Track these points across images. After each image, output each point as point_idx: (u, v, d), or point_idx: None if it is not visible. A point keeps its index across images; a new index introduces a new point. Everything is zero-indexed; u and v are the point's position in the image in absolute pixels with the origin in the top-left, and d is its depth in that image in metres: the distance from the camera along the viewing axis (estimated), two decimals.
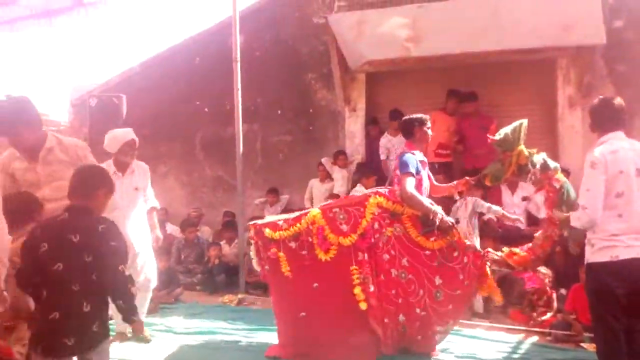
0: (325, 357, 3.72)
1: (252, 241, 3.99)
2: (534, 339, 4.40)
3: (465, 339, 4.29)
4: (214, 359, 3.98)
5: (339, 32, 6.36)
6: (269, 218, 4.21)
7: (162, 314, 5.22)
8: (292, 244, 3.78)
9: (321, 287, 3.70)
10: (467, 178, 4.10)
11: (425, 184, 3.95)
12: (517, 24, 5.68)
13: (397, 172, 3.87)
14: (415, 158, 3.84)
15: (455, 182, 4.16)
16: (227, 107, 6.70)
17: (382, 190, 3.87)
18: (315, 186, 7.03)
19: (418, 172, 3.81)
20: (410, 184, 3.69)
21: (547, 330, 4.49)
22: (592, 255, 2.97)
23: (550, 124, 6.60)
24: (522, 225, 5.89)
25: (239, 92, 5.87)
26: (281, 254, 3.78)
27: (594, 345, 4.11)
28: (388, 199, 3.70)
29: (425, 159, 4.02)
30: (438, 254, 3.65)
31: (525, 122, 3.74)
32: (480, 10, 5.81)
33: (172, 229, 7.28)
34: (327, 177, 7.01)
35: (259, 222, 4.02)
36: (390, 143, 6.68)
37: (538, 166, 3.79)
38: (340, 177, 6.86)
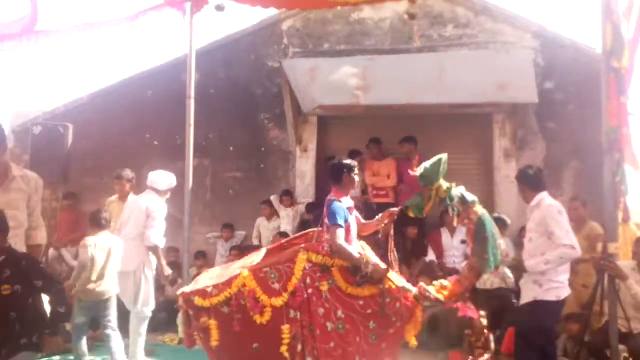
0: None
1: (181, 310, 3.79)
2: None
3: None
4: None
5: (293, 77, 6.53)
6: (201, 280, 3.94)
7: (98, 351, 5.01)
8: (225, 309, 3.61)
9: (261, 348, 3.59)
10: (391, 210, 4.08)
11: (354, 230, 3.91)
12: (458, 81, 6.05)
13: (326, 220, 3.83)
14: (343, 206, 3.81)
15: (380, 216, 4.09)
16: (178, 141, 6.63)
17: (317, 234, 3.87)
18: (263, 225, 6.99)
19: (346, 221, 3.80)
20: (340, 235, 3.68)
21: None
22: (542, 294, 3.43)
23: (487, 174, 6.96)
24: (461, 267, 6.08)
25: (192, 128, 5.84)
26: (212, 321, 3.61)
27: None
28: (317, 253, 3.67)
29: (352, 204, 3.98)
30: (371, 303, 3.66)
31: (444, 157, 3.79)
32: (425, 67, 6.18)
33: None
34: (274, 214, 7.00)
35: (187, 289, 3.82)
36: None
37: (456, 200, 3.84)
38: (286, 216, 6.88)
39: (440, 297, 3.84)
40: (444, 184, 3.76)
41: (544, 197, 3.75)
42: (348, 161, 4.10)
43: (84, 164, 7.69)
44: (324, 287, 3.64)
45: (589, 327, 4.40)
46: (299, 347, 3.55)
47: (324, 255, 3.66)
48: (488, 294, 5.67)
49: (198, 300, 3.64)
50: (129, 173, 5.76)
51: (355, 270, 3.65)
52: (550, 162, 6.72)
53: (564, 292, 3.53)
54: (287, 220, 6.87)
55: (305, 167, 7.39)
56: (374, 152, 6.85)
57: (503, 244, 3.99)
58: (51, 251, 7.09)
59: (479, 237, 3.78)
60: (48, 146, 6.78)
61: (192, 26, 5.89)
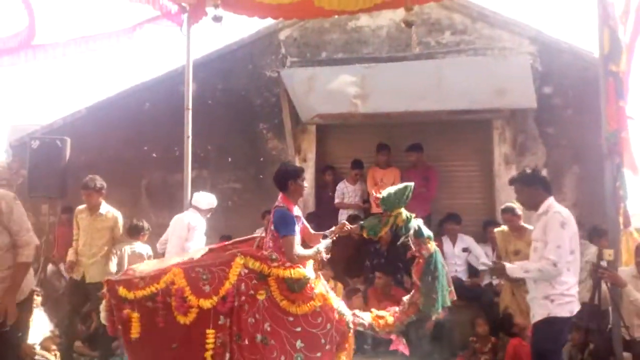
0: None
1: (105, 298, 3.69)
2: None
3: None
4: None
5: (291, 86, 6.56)
6: (136, 270, 3.83)
7: None
8: (149, 304, 3.52)
9: (180, 349, 3.50)
10: (344, 222, 4.05)
11: (298, 239, 3.75)
12: (457, 87, 6.08)
13: (272, 228, 3.71)
14: (291, 215, 3.71)
15: (333, 228, 3.94)
16: (176, 153, 6.65)
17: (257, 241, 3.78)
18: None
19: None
20: (295, 245, 3.59)
21: None
22: (556, 309, 3.27)
23: (487, 180, 6.97)
24: (463, 275, 6.09)
25: (190, 140, 5.87)
26: (135, 314, 3.51)
27: None
28: (255, 259, 3.55)
29: (300, 214, 3.89)
30: (302, 321, 3.50)
31: (410, 185, 3.70)
32: (423, 74, 6.21)
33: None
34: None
35: (114, 277, 3.77)
36: (346, 189, 6.88)
37: (411, 232, 3.73)
38: None
39: (375, 324, 3.72)
40: (404, 212, 3.69)
41: (551, 202, 3.54)
42: (294, 167, 4.05)
43: (82, 177, 7.65)
44: (261, 296, 3.49)
45: (590, 335, 4.40)
46: (227, 356, 3.44)
47: (262, 262, 3.53)
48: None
49: (122, 291, 3.54)
50: (96, 182, 5.67)
51: (291, 284, 3.50)
52: (551, 167, 6.73)
53: (576, 307, 3.36)
54: None
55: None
56: (381, 158, 6.80)
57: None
58: (49, 267, 7.09)
59: (427, 276, 3.64)
60: (46, 160, 6.78)
61: (189, 37, 5.95)
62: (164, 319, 3.50)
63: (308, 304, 3.49)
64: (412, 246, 3.69)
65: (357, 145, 7.23)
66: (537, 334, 3.37)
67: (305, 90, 6.47)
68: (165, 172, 7.56)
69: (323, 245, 3.72)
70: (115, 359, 5.31)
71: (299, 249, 3.61)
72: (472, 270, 6.14)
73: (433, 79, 6.06)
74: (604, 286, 4.06)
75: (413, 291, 3.77)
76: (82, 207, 5.74)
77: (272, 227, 3.72)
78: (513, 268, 3.50)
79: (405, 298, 3.81)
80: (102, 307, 3.78)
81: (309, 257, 3.64)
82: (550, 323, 3.26)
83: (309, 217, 6.87)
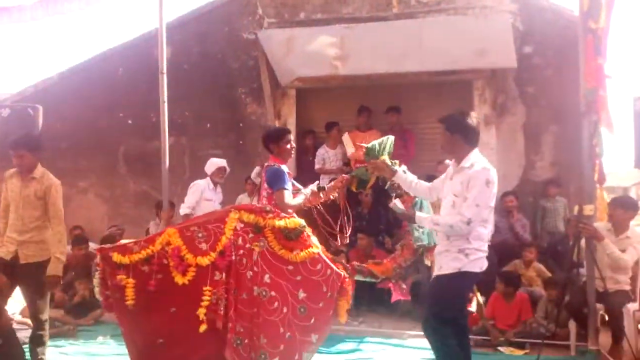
0: None
1: (98, 268, 3.63)
2: None
3: (391, 347, 4.43)
4: None
5: (269, 49, 6.45)
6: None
7: (81, 337, 5.02)
8: (145, 268, 3.48)
9: (179, 311, 3.48)
10: (343, 175, 4.16)
11: (290, 193, 3.86)
12: (437, 47, 6.04)
13: (266, 185, 3.86)
14: (283, 171, 3.84)
15: (332, 183, 4.10)
16: (153, 119, 6.53)
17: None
18: (244, 201, 6.99)
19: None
20: (288, 197, 3.72)
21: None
22: (467, 265, 3.16)
23: None
24: None
25: (165, 105, 5.75)
26: (130, 280, 3.47)
27: (510, 348, 4.44)
28: (250, 211, 3.54)
29: (289, 172, 4.00)
30: (301, 269, 3.52)
31: (392, 137, 3.93)
32: (404, 34, 6.14)
33: (93, 247, 6.92)
34: (255, 190, 7.00)
35: (107, 245, 3.71)
36: (327, 154, 6.88)
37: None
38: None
39: (374, 270, 3.86)
40: (387, 160, 3.80)
41: (476, 156, 3.22)
42: (274, 129, 4.16)
43: (57, 146, 7.57)
44: (258, 248, 3.51)
45: (567, 289, 4.56)
46: (221, 310, 3.43)
47: (257, 214, 3.53)
48: None
49: (117, 257, 3.49)
50: (30, 140, 4.47)
51: (287, 233, 3.53)
52: (530, 127, 6.81)
53: (485, 263, 3.22)
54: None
55: None
56: (362, 121, 6.79)
57: None
58: None
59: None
60: (18, 129, 6.57)
61: None
62: (160, 283, 3.47)
63: (306, 251, 3.51)
64: (397, 190, 3.79)
65: (337, 108, 7.19)
66: (443, 287, 3.24)
67: (284, 53, 6.37)
68: (142, 139, 7.45)
69: (307, 190, 3.85)
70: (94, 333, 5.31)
71: (290, 200, 3.73)
72: None
73: (414, 39, 6.00)
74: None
75: (406, 234, 4.02)
76: (12, 170, 4.27)
77: (266, 185, 3.84)
78: (423, 218, 3.36)
79: (399, 244, 4.02)
80: (96, 280, 3.71)
81: (299, 205, 3.77)
82: (462, 277, 3.15)
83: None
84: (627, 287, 4.35)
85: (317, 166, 6.93)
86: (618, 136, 4.47)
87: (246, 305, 3.47)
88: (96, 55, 7.78)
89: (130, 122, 7.59)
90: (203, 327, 3.40)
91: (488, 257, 5.68)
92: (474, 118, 3.28)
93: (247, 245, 3.51)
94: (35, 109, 6.77)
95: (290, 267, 3.53)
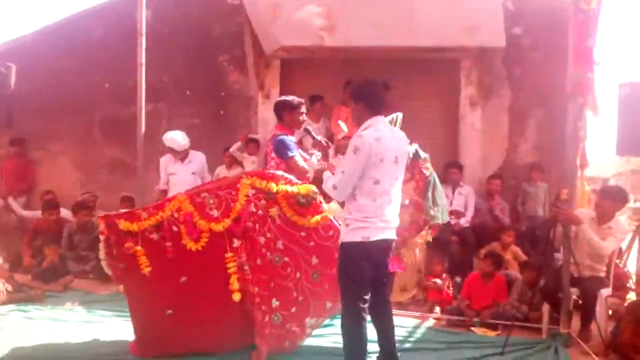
0: (197, 354, 3.58)
1: (102, 237, 3.53)
2: (430, 323, 4.64)
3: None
4: (97, 347, 3.79)
5: (254, 15, 6.25)
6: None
7: (48, 302, 4.92)
8: (154, 236, 3.44)
9: (190, 280, 3.47)
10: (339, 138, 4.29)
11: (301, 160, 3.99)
12: (426, 23, 5.92)
13: (273, 155, 3.92)
14: (290, 139, 3.94)
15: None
16: (130, 83, 6.30)
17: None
18: (222, 173, 6.83)
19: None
20: (301, 163, 3.85)
21: (442, 316, 4.74)
22: (346, 235, 3.12)
23: (451, 121, 6.95)
24: None
25: (143, 68, 5.57)
26: (139, 247, 3.42)
27: (483, 329, 4.46)
28: (262, 178, 3.53)
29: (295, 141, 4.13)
30: (314, 235, 3.59)
31: (400, 115, 4.06)
32: (393, 7, 5.99)
33: (64, 212, 6.76)
34: (234, 162, 6.86)
35: (112, 213, 3.65)
36: (310, 127, 6.71)
37: (410, 155, 4.10)
38: (250, 163, 6.74)
39: None
40: None
41: (369, 124, 3.12)
42: (291, 98, 4.12)
43: (29, 107, 7.30)
44: (271, 213, 3.53)
45: (542, 273, 4.57)
46: (249, 276, 3.47)
47: (269, 180, 3.52)
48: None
49: (124, 224, 3.43)
50: None
51: (300, 199, 3.55)
52: (515, 110, 6.76)
53: (376, 234, 3.06)
54: (251, 167, 6.74)
55: (267, 114, 7.11)
56: (347, 95, 6.65)
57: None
58: None
59: (428, 192, 4.15)
60: None
61: None
62: (171, 251, 3.42)
63: (319, 216, 3.56)
64: (408, 171, 3.95)
65: (322, 81, 7.02)
66: (337, 257, 3.24)
67: (270, 20, 6.16)
68: (118, 104, 7.20)
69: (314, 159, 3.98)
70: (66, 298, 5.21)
71: (305, 166, 3.85)
72: None
73: (403, 12, 5.86)
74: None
75: (412, 211, 4.20)
76: None
77: (273, 154, 3.89)
78: (328, 177, 3.25)
79: (406, 219, 4.12)
80: (102, 253, 3.56)
81: (310, 170, 3.86)
82: (342, 249, 3.13)
83: None
84: (602, 274, 4.37)
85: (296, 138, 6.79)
86: (602, 120, 4.43)
87: (259, 270, 3.49)
88: (73, 14, 7.46)
89: (106, 85, 7.30)
90: (237, 296, 3.41)
91: (464, 238, 5.80)
92: (377, 85, 3.24)
93: (260, 212, 3.52)
94: (8, 68, 6.56)
95: (303, 234, 3.59)
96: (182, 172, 5.82)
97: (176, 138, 5.67)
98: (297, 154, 3.89)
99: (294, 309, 3.63)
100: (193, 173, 5.80)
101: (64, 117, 7.43)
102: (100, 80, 7.30)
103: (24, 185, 7.34)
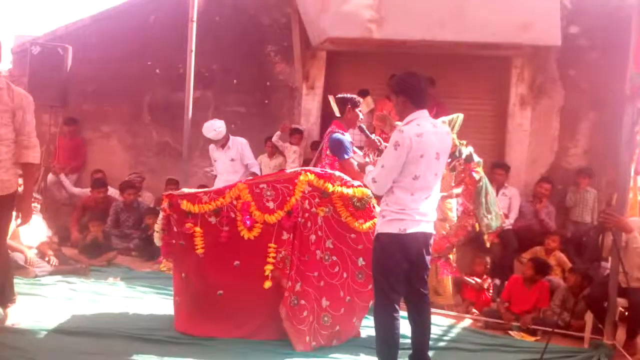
0: (243, 335, 3.62)
1: (163, 214, 3.69)
2: (466, 323, 4.54)
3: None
4: (139, 322, 3.86)
5: (303, 6, 6.23)
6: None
7: (92, 276, 5.07)
8: (212, 219, 3.56)
9: (243, 265, 3.56)
10: (379, 113, 4.24)
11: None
12: (478, 18, 5.75)
13: (328, 152, 3.95)
14: (347, 139, 3.93)
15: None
16: (180, 70, 6.46)
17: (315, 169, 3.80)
18: (264, 162, 6.91)
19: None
20: (355, 166, 3.85)
21: (479, 317, 4.63)
22: (382, 226, 3.06)
23: (500, 120, 6.77)
24: None
25: (193, 54, 5.65)
26: (198, 229, 3.55)
27: (522, 333, 4.32)
28: (319, 177, 3.54)
29: (351, 140, 4.09)
30: (364, 238, 3.63)
31: (461, 116, 4.03)
32: (444, 1, 5.84)
33: (112, 191, 6.99)
34: (276, 152, 6.90)
35: (176, 193, 3.75)
36: (364, 125, 6.70)
37: (464, 156, 4.08)
38: (292, 153, 6.77)
39: None
40: (456, 139, 3.90)
41: (411, 118, 3.04)
42: (353, 96, 4.18)
43: (83, 88, 7.57)
44: (323, 213, 3.60)
45: (588, 280, 4.39)
46: (288, 270, 3.53)
47: (326, 180, 3.54)
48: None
49: (186, 205, 3.55)
50: None
51: (355, 202, 3.57)
52: (567, 112, 6.52)
53: (413, 226, 2.99)
54: (293, 157, 6.77)
55: (311, 105, 7.20)
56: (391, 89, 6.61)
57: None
58: (50, 176, 7.10)
59: (480, 197, 4.04)
60: (47, 67, 6.60)
61: None
62: (227, 236, 3.53)
63: (371, 222, 3.57)
64: (459, 174, 3.98)
65: (368, 74, 6.96)
66: (372, 249, 3.19)
67: (317, 11, 6.14)
68: (168, 89, 7.39)
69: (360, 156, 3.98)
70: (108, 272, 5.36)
71: (359, 170, 3.82)
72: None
73: (455, 6, 5.71)
74: None
75: (464, 215, 4.18)
76: None
77: (328, 152, 3.95)
78: (369, 171, 3.18)
79: (452, 224, 4.16)
80: (158, 226, 3.73)
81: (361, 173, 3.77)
82: (378, 240, 3.08)
83: (313, 146, 6.79)
84: None
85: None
86: None
87: (308, 267, 3.57)
88: (129, 0, 7.66)
89: (157, 71, 7.49)
90: (268, 284, 3.49)
91: (506, 240, 5.63)
92: (420, 79, 3.12)
93: (313, 209, 3.61)
94: (65, 49, 6.77)
95: (353, 235, 3.66)
96: (221, 158, 5.91)
97: (210, 127, 5.70)
98: (352, 156, 3.92)
99: (342, 310, 3.68)
100: (232, 160, 5.86)
101: (116, 100, 7.68)
102: (151, 66, 7.50)
103: (76, 163, 7.62)
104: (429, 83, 6.42)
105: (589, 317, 4.16)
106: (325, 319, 3.63)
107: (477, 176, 4.09)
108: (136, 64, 7.48)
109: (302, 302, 3.56)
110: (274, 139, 6.85)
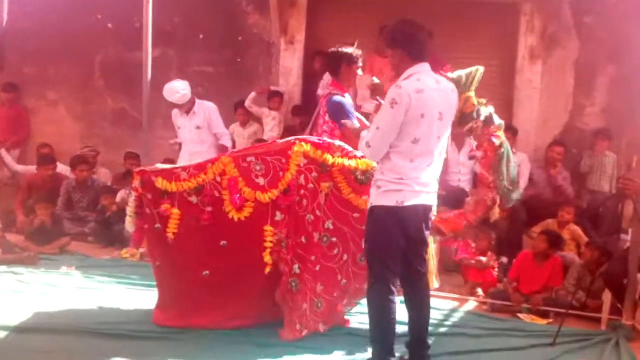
0: (228, 323, 3.65)
1: (135, 194, 3.62)
2: (470, 306, 4.59)
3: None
4: (98, 317, 3.82)
5: None
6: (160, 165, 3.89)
7: (42, 265, 5.02)
8: (193, 199, 3.50)
9: (230, 245, 3.54)
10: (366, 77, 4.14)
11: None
12: None
13: (327, 117, 3.89)
14: (347, 101, 3.87)
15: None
16: (136, 24, 6.31)
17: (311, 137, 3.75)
18: (237, 132, 6.80)
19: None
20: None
21: (484, 299, 4.69)
22: (377, 198, 3.04)
23: (506, 77, 6.73)
24: (467, 186, 6.07)
25: (150, 4, 5.51)
26: (175, 210, 3.50)
27: (532, 315, 4.40)
28: (316, 147, 3.51)
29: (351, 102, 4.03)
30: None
31: (481, 68, 3.87)
32: None
33: (62, 168, 6.88)
34: (249, 119, 6.81)
35: (149, 169, 3.69)
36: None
37: (482, 117, 3.91)
38: (270, 119, 6.69)
39: (441, 226, 3.83)
40: (473, 97, 3.78)
41: (409, 72, 3.02)
42: (349, 49, 4.04)
43: (23, 48, 7.38)
44: (323, 189, 3.54)
45: (606, 255, 4.45)
46: (284, 253, 3.52)
47: (324, 150, 3.50)
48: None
49: (161, 183, 3.51)
50: None
51: (359, 176, 3.53)
52: (583, 65, 6.51)
53: (412, 198, 2.98)
54: (271, 125, 6.68)
55: (290, 63, 7.10)
56: (382, 43, 6.52)
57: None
58: None
59: (501, 166, 3.87)
60: None
61: None
62: (212, 215, 3.49)
63: None
64: (477, 137, 3.83)
65: (354, 26, 6.82)
66: (366, 223, 3.20)
67: None
68: (123, 47, 7.24)
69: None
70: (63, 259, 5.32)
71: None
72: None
73: None
74: None
75: (478, 189, 4.06)
76: None
77: (327, 117, 3.87)
78: (363, 136, 3.18)
79: (469, 198, 4.06)
80: (130, 209, 3.66)
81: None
82: (371, 213, 3.07)
83: (295, 112, 6.72)
84: None
85: (319, 91, 6.67)
86: None
87: (304, 249, 3.54)
88: None
89: (110, 25, 7.30)
90: (268, 269, 3.48)
91: (513, 213, 5.66)
92: (418, 27, 3.08)
93: (310, 185, 3.52)
94: None
95: (357, 215, 3.58)
96: (186, 126, 5.84)
97: (172, 89, 5.60)
98: (355, 121, 3.83)
99: (335, 293, 3.70)
100: (198, 127, 5.79)
101: (62, 61, 7.49)
102: (102, 20, 7.30)
103: (18, 136, 7.47)
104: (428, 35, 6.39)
105: (606, 296, 4.24)
106: (319, 305, 3.65)
107: (497, 141, 3.95)
108: (84, 17, 7.27)
109: (301, 285, 3.57)
110: (247, 103, 6.75)
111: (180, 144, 6.17)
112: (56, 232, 5.79)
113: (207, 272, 3.59)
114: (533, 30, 6.52)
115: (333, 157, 3.50)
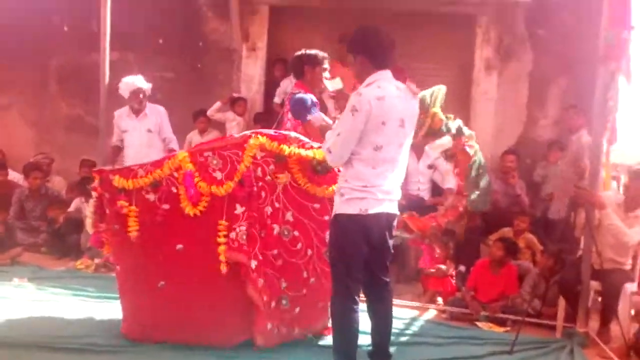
0: (190, 337, 3.53)
1: (95, 194, 3.59)
2: (430, 315, 4.61)
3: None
4: (54, 330, 3.69)
5: None
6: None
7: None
8: (151, 196, 3.44)
9: (187, 249, 3.45)
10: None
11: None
12: None
13: (290, 116, 3.88)
14: (309, 97, 3.84)
15: None
16: (93, 27, 6.13)
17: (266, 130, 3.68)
18: (195, 140, 6.66)
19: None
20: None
21: (444, 308, 4.72)
22: (341, 206, 3.03)
23: (462, 87, 6.80)
24: (426, 195, 6.11)
25: (108, 8, 5.35)
26: (133, 207, 3.44)
27: (490, 324, 4.44)
28: (272, 139, 3.46)
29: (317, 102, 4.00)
30: (329, 206, 3.51)
31: (444, 88, 4.03)
32: None
33: (14, 176, 6.63)
34: (209, 127, 6.70)
35: (107, 167, 3.69)
36: (291, 87, 6.57)
37: (453, 130, 4.07)
38: (235, 125, 6.59)
39: (410, 224, 3.85)
40: (440, 113, 3.92)
41: (372, 80, 2.99)
42: (314, 52, 4.03)
43: None
44: (281, 180, 3.49)
45: (559, 263, 4.54)
46: (246, 247, 3.42)
47: (280, 142, 3.46)
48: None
49: (118, 180, 3.46)
50: None
51: (316, 166, 3.50)
52: (536, 77, 6.65)
53: (376, 206, 2.97)
54: (236, 130, 6.58)
55: (252, 70, 7.04)
56: (344, 52, 6.51)
57: None
58: None
59: (475, 174, 4.05)
60: None
61: None
62: (168, 213, 3.42)
63: (335, 185, 3.39)
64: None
65: (316, 35, 6.84)
66: (329, 231, 3.19)
67: None
68: (79, 51, 7.05)
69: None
70: None
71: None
72: (437, 190, 6.15)
73: None
74: None
75: (454, 193, 4.26)
76: None
77: (290, 116, 3.86)
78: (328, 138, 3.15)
79: (447, 202, 4.23)
80: (89, 209, 3.64)
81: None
82: (334, 222, 3.05)
83: (257, 120, 6.64)
84: (628, 267, 4.34)
85: (275, 99, 6.64)
86: (636, 90, 4.33)
87: (265, 245, 3.46)
88: None
89: (65, 28, 7.11)
90: (223, 268, 3.38)
91: (470, 222, 5.72)
92: (381, 34, 3.04)
93: (267, 178, 3.47)
94: None
95: (317, 205, 3.55)
96: (135, 129, 5.61)
97: (131, 83, 5.46)
98: (318, 116, 3.80)
99: (304, 291, 3.61)
100: (149, 130, 5.60)
101: (15, 65, 7.26)
102: (58, 22, 7.12)
103: None
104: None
105: (561, 304, 4.32)
106: (284, 302, 3.56)
107: (471, 150, 4.10)
108: (39, 19, 7.07)
109: (269, 291, 3.49)
110: (211, 111, 6.65)
111: (118, 147, 5.85)
112: (8, 242, 5.59)
113: (162, 282, 3.49)
114: (489, 42, 6.63)
115: (289, 147, 3.46)
